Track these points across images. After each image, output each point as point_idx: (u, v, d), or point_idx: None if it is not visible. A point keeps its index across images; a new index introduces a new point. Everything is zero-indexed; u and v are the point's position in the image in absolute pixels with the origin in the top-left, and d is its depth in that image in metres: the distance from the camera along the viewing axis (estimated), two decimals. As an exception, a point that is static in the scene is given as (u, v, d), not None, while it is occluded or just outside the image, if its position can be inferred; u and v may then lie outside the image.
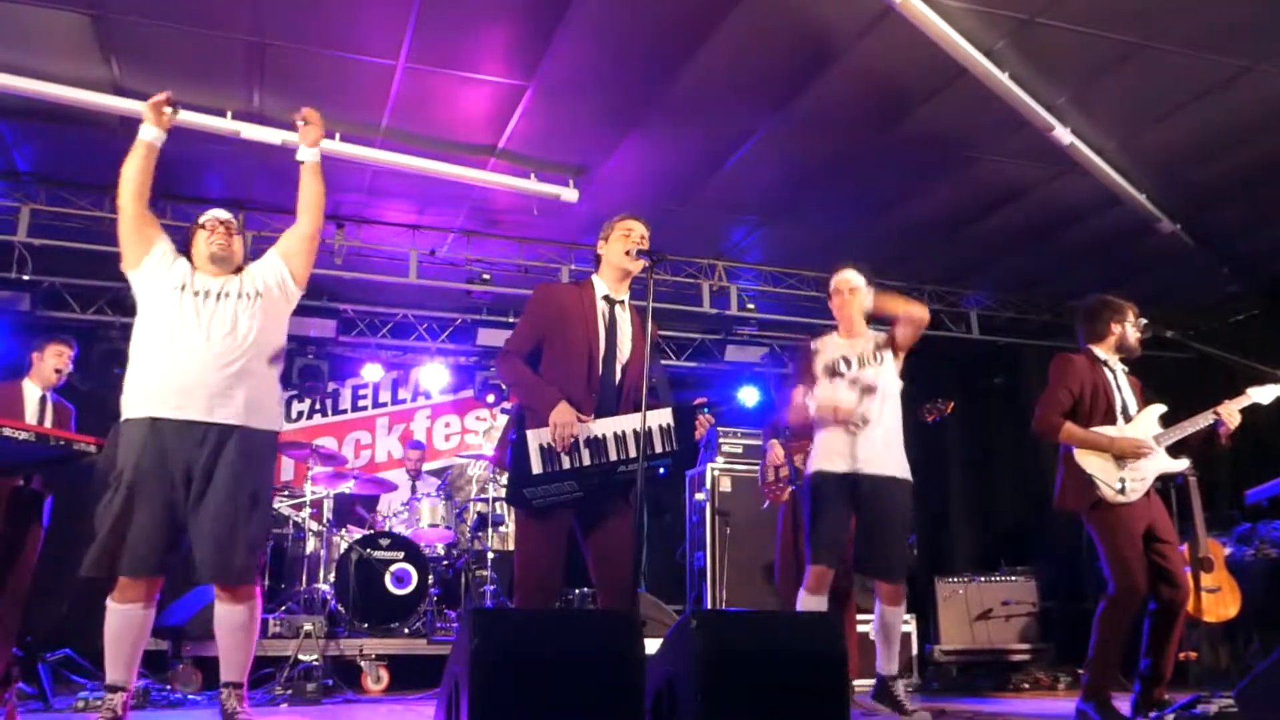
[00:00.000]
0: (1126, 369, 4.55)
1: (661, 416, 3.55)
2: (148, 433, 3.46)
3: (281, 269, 3.83)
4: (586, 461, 3.44)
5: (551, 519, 3.49)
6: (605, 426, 3.49)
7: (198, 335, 3.55)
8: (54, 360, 5.44)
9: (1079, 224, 7.21)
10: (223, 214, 3.88)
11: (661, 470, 3.57)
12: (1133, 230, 7.04)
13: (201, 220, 3.85)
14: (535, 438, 3.44)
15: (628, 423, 3.49)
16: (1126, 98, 5.59)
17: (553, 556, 3.52)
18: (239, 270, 3.80)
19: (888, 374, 4.52)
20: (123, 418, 3.53)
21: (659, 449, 3.52)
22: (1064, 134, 5.71)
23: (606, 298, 3.75)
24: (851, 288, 4.63)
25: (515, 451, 3.45)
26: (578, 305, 3.70)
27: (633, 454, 3.44)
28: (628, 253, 3.70)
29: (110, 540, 3.37)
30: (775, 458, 5.61)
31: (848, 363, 4.51)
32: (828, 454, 4.46)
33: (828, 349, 4.61)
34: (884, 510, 4.39)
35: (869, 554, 4.45)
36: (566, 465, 3.42)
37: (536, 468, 3.41)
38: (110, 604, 3.43)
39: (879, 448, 4.43)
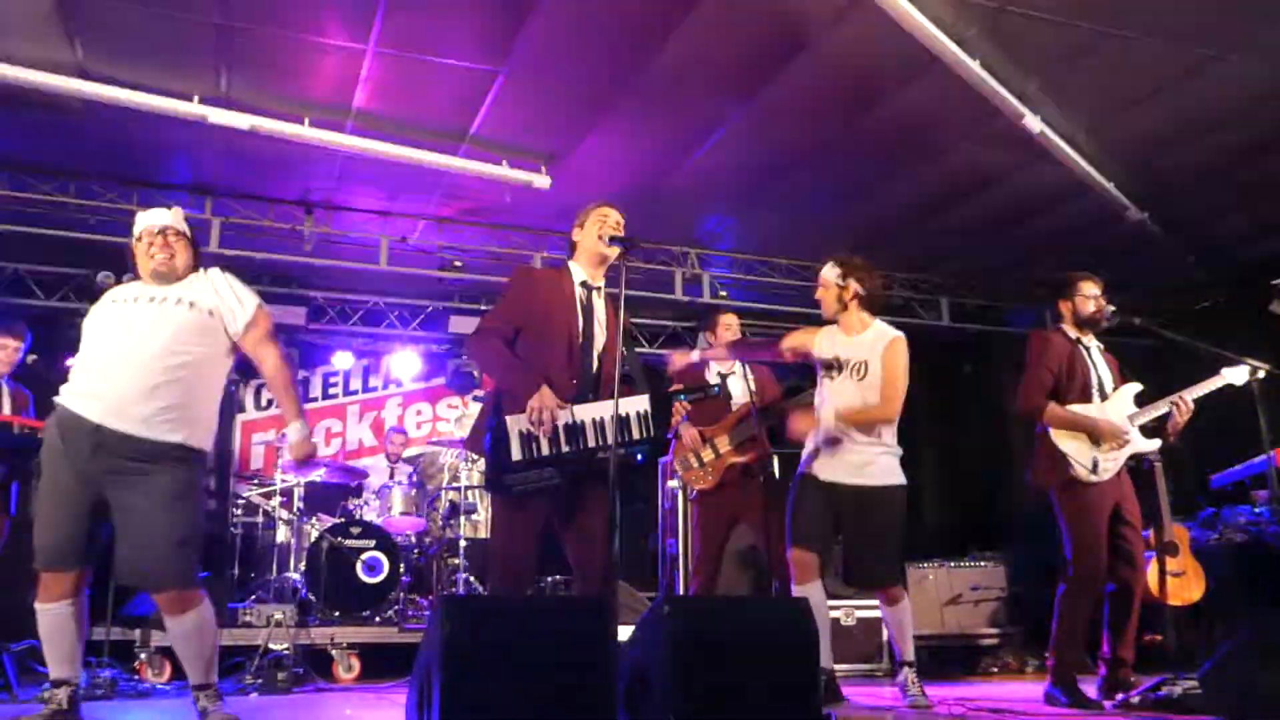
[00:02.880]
0: (1102, 346, 4.59)
1: (638, 403, 3.55)
2: (64, 424, 3.36)
3: (234, 314, 3.59)
4: (565, 448, 3.43)
5: (529, 506, 3.48)
6: (584, 413, 3.49)
7: (122, 336, 3.44)
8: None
9: (1049, 212, 7.27)
10: (160, 220, 3.64)
11: (640, 457, 3.54)
12: (1101, 218, 7.10)
13: (138, 233, 3.64)
14: (515, 424, 3.43)
15: (606, 409, 3.49)
16: (1096, 86, 5.63)
17: (528, 543, 3.51)
18: (187, 273, 3.64)
19: (874, 384, 4.37)
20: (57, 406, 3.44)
21: (636, 435, 3.51)
22: (1034, 122, 5.74)
23: (584, 284, 3.76)
24: (824, 283, 4.54)
25: (494, 437, 3.43)
26: (557, 290, 3.71)
27: (609, 440, 3.43)
28: (601, 237, 3.71)
29: (36, 530, 3.33)
30: (691, 440, 5.31)
31: (850, 370, 4.39)
32: (811, 457, 4.43)
33: (825, 341, 4.52)
34: (872, 521, 4.34)
35: (855, 564, 4.48)
36: (546, 451, 3.42)
37: (516, 454, 3.40)
38: (36, 605, 3.35)
39: (867, 457, 4.36)
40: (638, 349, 8.85)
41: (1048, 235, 7.66)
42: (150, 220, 3.64)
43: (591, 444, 3.45)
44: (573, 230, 3.87)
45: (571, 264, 3.82)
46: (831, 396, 4.41)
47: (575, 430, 3.45)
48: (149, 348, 3.40)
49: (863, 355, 4.39)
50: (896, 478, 4.39)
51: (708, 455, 5.24)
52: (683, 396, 3.65)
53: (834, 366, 4.41)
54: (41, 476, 3.37)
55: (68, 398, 3.41)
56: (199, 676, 3.50)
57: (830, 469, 4.34)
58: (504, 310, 3.70)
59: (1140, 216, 6.96)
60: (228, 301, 3.60)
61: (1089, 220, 7.23)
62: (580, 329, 3.67)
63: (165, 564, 3.33)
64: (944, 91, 5.56)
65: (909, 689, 4.32)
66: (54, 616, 3.37)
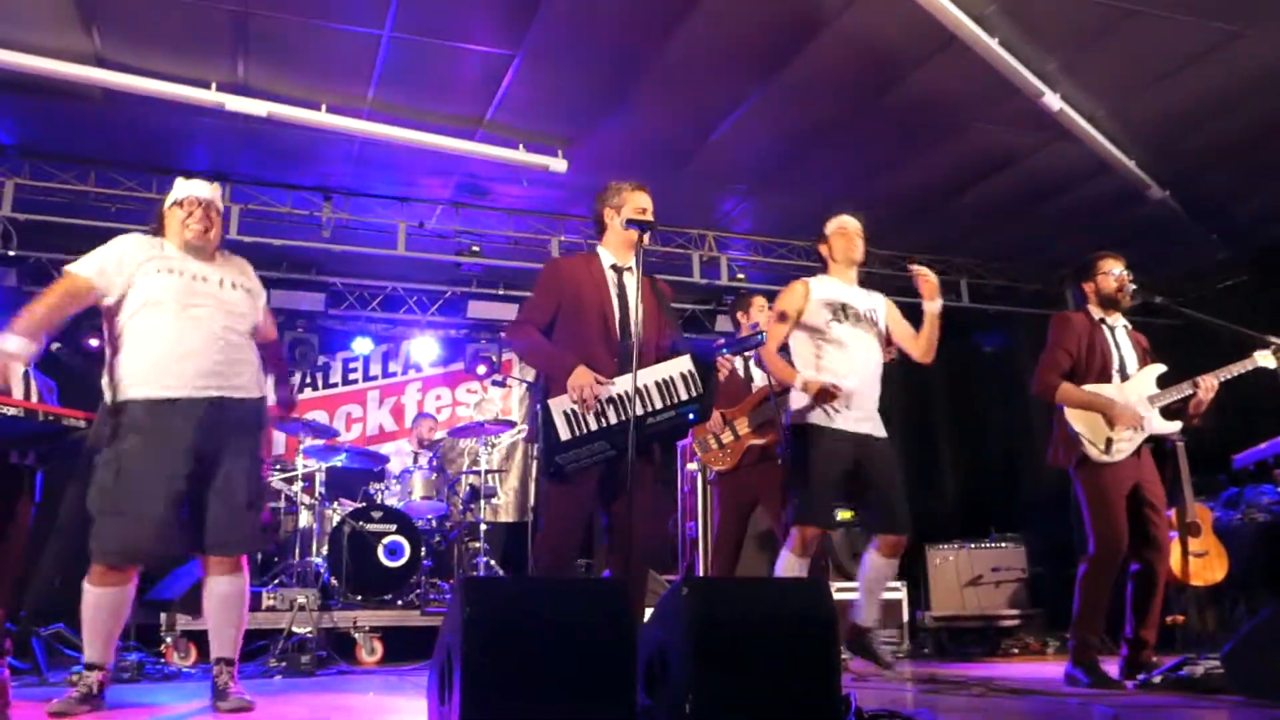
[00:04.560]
0: (1129, 326, 4.56)
1: (682, 364, 3.58)
2: (145, 414, 3.37)
3: (259, 309, 3.77)
4: (614, 420, 3.48)
5: (580, 485, 3.52)
6: (627, 383, 3.49)
7: (200, 314, 3.50)
8: None
9: (1069, 191, 7.22)
10: (203, 192, 3.66)
11: (691, 416, 3.55)
12: (1122, 197, 7.04)
13: (179, 198, 3.64)
14: (558, 405, 3.49)
15: (648, 375, 3.53)
16: (1117, 64, 5.57)
17: (577, 524, 3.57)
18: (216, 255, 3.70)
19: (880, 332, 4.49)
20: (118, 398, 3.41)
21: (684, 395, 3.54)
22: (1054, 100, 5.70)
23: (614, 266, 3.79)
24: (859, 232, 4.59)
25: (541, 423, 3.50)
26: (587, 275, 3.75)
27: (658, 405, 3.49)
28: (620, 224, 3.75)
29: (112, 525, 3.31)
30: (713, 422, 5.28)
31: (855, 316, 4.41)
32: (822, 407, 4.26)
33: (826, 289, 4.48)
34: (888, 466, 4.34)
35: (886, 513, 4.36)
36: (595, 426, 3.47)
37: (564, 434, 3.47)
38: (89, 586, 3.37)
39: (872, 400, 4.38)
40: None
41: (1067, 215, 7.60)
42: (193, 190, 3.66)
43: (640, 412, 3.48)
44: (604, 212, 3.87)
45: (600, 249, 3.87)
46: (851, 344, 4.37)
47: (621, 401, 3.48)
48: (221, 322, 3.54)
49: (870, 304, 4.51)
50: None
51: (727, 437, 5.24)
52: (724, 351, 3.62)
53: (849, 314, 4.40)
54: (124, 470, 3.31)
55: (152, 389, 3.40)
56: (227, 648, 3.56)
57: (855, 420, 4.29)
58: (537, 301, 3.75)
59: (1162, 195, 6.89)
60: (257, 288, 3.79)
61: (1109, 200, 7.17)
62: (615, 308, 3.70)
63: (251, 528, 3.52)
64: (963, 70, 5.52)
65: (882, 655, 4.44)
66: (110, 598, 3.39)
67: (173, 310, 3.47)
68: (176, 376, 3.42)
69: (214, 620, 3.59)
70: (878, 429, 4.37)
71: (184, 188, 3.68)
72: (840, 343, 4.36)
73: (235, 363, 3.54)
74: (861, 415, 4.31)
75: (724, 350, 3.62)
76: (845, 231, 4.56)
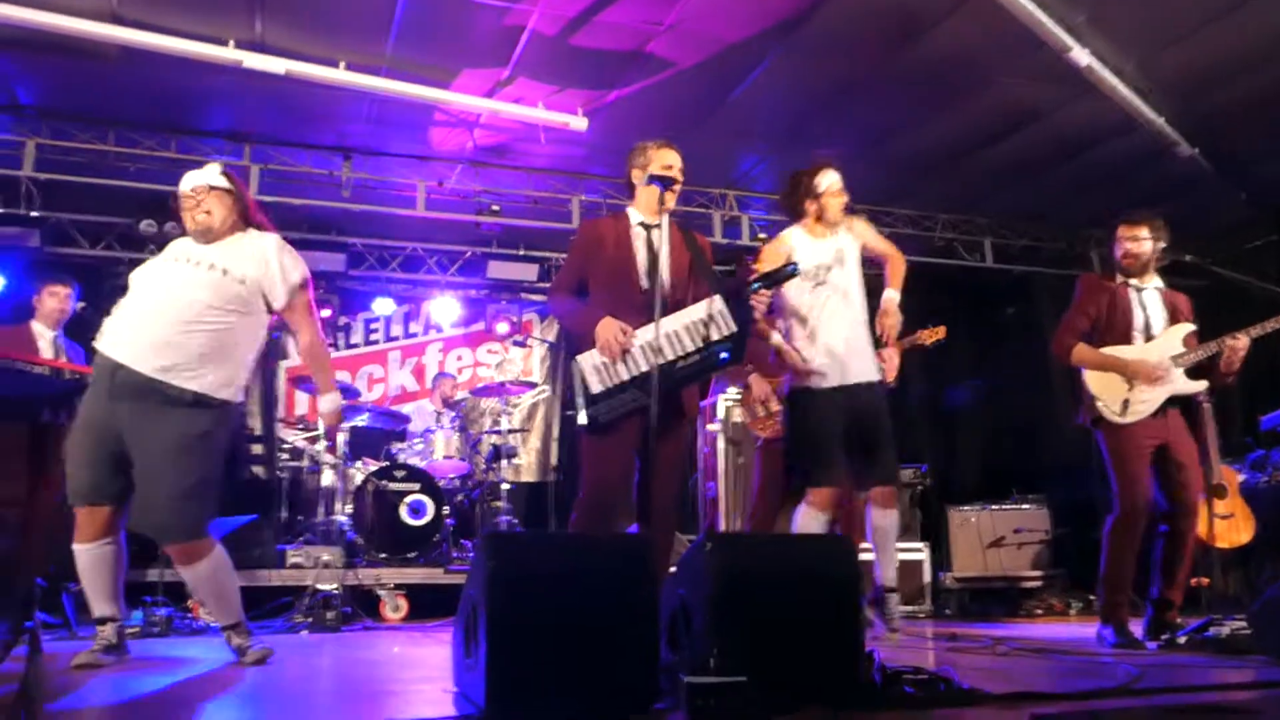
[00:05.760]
0: (1162, 287, 4.49)
1: (712, 304, 3.54)
2: (105, 372, 3.46)
3: (275, 289, 3.66)
4: (644, 366, 3.47)
5: (617, 434, 3.51)
6: (657, 329, 3.47)
7: (157, 292, 3.54)
8: (51, 301, 5.46)
9: (1095, 149, 7.10)
10: (197, 181, 3.68)
11: (724, 355, 3.50)
12: (1150, 155, 6.93)
13: (179, 193, 3.71)
14: (587, 360, 3.54)
15: (675, 321, 3.53)
16: (1146, 17, 5.46)
17: (619, 472, 3.55)
18: (231, 229, 3.70)
19: (854, 273, 4.39)
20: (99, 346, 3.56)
21: (716, 335, 3.51)
22: (1081, 55, 5.59)
23: (642, 224, 3.81)
24: (841, 190, 4.46)
25: (572, 378, 3.56)
26: (613, 233, 3.79)
27: (689, 348, 3.48)
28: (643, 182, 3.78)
29: (68, 470, 3.47)
30: (762, 392, 5.36)
31: (827, 268, 4.33)
32: (808, 368, 4.24)
33: (804, 251, 4.37)
34: (875, 417, 4.27)
35: (870, 462, 4.30)
36: (626, 376, 3.49)
37: (595, 386, 3.51)
38: (74, 546, 3.49)
39: (857, 350, 4.30)
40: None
41: (1094, 173, 7.48)
42: (186, 183, 3.70)
43: (670, 356, 3.48)
44: (632, 173, 3.88)
45: (630, 209, 3.89)
46: (832, 301, 4.31)
47: (650, 350, 3.47)
48: (175, 306, 3.50)
49: (838, 246, 4.38)
50: (880, 373, 4.44)
51: (775, 406, 5.26)
52: (757, 286, 3.57)
53: (827, 271, 4.33)
54: (77, 419, 3.49)
55: (101, 341, 3.53)
56: (223, 618, 3.64)
57: (843, 370, 4.23)
58: (568, 266, 3.84)
59: (1190, 152, 6.78)
60: (271, 273, 3.66)
61: (1137, 157, 7.05)
62: (642, 263, 3.71)
63: (170, 515, 3.41)
64: (987, 24, 5.42)
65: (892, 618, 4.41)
66: (90, 556, 3.50)
67: (148, 285, 3.57)
68: (127, 344, 3.46)
69: (198, 598, 3.74)
70: (867, 374, 4.29)
71: (181, 184, 3.71)
72: (823, 305, 4.30)
73: (177, 352, 3.45)
74: (853, 367, 4.25)
75: (756, 286, 3.58)
76: (839, 193, 4.45)
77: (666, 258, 3.70)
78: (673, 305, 3.64)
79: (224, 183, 3.71)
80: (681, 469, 3.26)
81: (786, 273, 3.69)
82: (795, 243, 4.41)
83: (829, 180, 4.44)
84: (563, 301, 3.78)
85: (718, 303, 3.54)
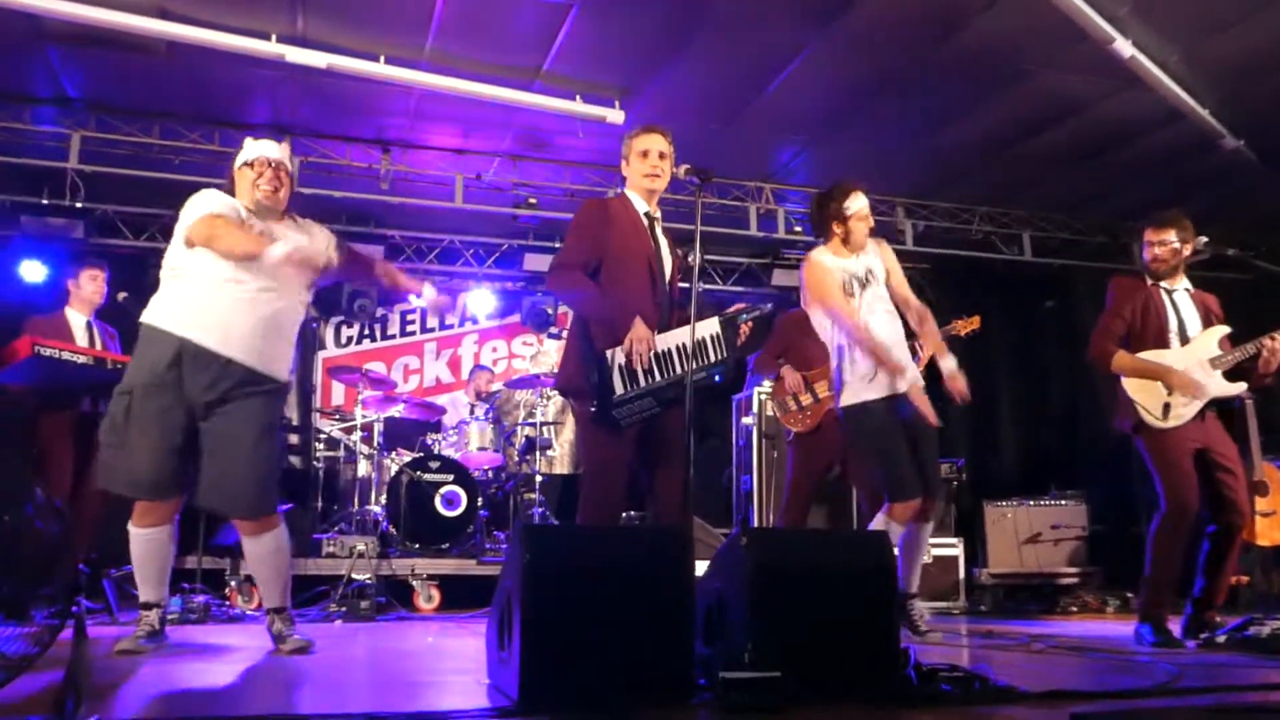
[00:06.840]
0: (1190, 288, 4.43)
1: (710, 326, 3.62)
2: (169, 351, 3.39)
3: (333, 251, 3.69)
4: (659, 378, 3.48)
5: (623, 438, 3.52)
6: (668, 341, 3.52)
7: (266, 279, 3.46)
8: (89, 285, 5.51)
9: (1138, 140, 7.00)
10: (272, 152, 3.63)
11: (718, 378, 3.61)
12: (1194, 147, 6.82)
13: (250, 158, 3.61)
14: (615, 358, 3.48)
15: (681, 336, 3.54)
16: (1190, 7, 5.38)
17: (622, 475, 3.58)
18: (285, 217, 3.71)
19: (883, 292, 4.38)
20: (146, 322, 3.49)
21: (713, 357, 3.60)
22: (1125, 46, 5.52)
23: (646, 214, 3.76)
24: (869, 213, 4.47)
25: (599, 372, 3.46)
26: (629, 222, 3.70)
27: (697, 364, 3.50)
28: (645, 175, 3.73)
29: (120, 458, 3.40)
30: (794, 384, 5.45)
31: (861, 283, 4.33)
32: (866, 382, 4.24)
33: (843, 265, 4.37)
34: (923, 426, 4.25)
35: (920, 474, 4.26)
36: (644, 384, 3.48)
37: (619, 389, 3.46)
38: (131, 529, 3.51)
39: (907, 358, 4.33)
40: (709, 286, 8.83)
41: (1136, 165, 7.38)
42: (263, 150, 3.63)
43: (679, 370, 3.49)
44: (623, 166, 3.85)
45: (628, 193, 3.82)
46: (876, 305, 4.32)
47: (666, 359, 3.50)
48: (279, 294, 3.51)
49: (867, 264, 4.38)
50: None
51: (806, 400, 5.28)
52: (744, 318, 3.69)
53: (860, 283, 4.34)
54: (135, 408, 3.39)
55: (184, 327, 3.42)
56: (275, 599, 3.67)
57: (893, 381, 4.21)
58: (581, 243, 3.67)
59: (1236, 144, 6.67)
60: (325, 241, 3.73)
61: (1180, 149, 6.95)
62: (657, 261, 3.70)
63: (257, 494, 3.48)
64: (1029, 16, 5.36)
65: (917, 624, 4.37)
66: (149, 541, 3.52)
67: (230, 269, 3.44)
68: (208, 330, 3.41)
69: (255, 575, 3.77)
70: (909, 381, 4.27)
71: (253, 148, 3.64)
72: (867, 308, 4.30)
73: (274, 335, 3.53)
74: (902, 377, 4.23)
75: (744, 317, 3.69)
76: (867, 217, 4.42)
77: (668, 257, 3.74)
78: (672, 306, 3.69)
79: (290, 166, 3.73)
80: (684, 454, 3.25)
81: (762, 309, 3.80)
82: (830, 261, 4.39)
83: (858, 204, 4.40)
84: (575, 280, 3.59)
85: (716, 325, 3.63)
